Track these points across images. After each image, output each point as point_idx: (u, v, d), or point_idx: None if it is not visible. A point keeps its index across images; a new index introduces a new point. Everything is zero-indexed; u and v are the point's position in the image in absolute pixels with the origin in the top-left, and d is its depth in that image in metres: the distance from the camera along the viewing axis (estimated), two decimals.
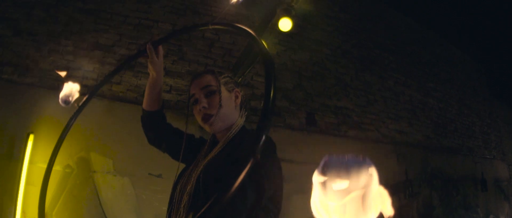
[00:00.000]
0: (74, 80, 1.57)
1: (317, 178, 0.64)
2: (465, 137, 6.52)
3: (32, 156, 3.47)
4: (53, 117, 3.51)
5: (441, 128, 6.00)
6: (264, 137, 0.71)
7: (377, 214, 0.61)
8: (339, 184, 0.63)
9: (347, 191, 0.62)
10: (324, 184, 0.65)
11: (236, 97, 1.42)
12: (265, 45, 1.00)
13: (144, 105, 1.58)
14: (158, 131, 1.59)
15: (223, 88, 1.37)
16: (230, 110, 1.37)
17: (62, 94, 1.52)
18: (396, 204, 4.71)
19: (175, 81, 4.18)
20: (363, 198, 0.61)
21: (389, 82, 5.49)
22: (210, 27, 1.35)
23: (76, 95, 1.54)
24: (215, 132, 1.38)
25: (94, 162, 3.70)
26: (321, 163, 0.67)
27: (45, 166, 1.53)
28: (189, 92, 1.42)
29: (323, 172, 0.65)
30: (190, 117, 1.43)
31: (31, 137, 3.51)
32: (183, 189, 1.26)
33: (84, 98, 1.54)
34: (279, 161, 1.25)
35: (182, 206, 1.19)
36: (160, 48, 1.49)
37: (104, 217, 3.58)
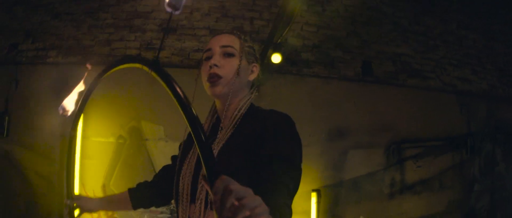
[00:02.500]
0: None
1: None
2: None
3: (84, 131, 3.59)
4: (99, 92, 3.58)
5: (507, 76, 5.49)
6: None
7: None
8: None
9: None
10: None
11: (252, 72, 1.29)
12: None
13: (131, 209, 1.56)
14: (156, 196, 1.53)
15: (244, 57, 1.25)
16: (242, 82, 1.25)
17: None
18: (458, 159, 4.39)
19: None
20: None
21: (452, 25, 5.00)
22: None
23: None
24: (216, 96, 1.23)
25: (145, 130, 3.81)
26: None
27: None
28: (205, 47, 1.27)
29: None
30: (199, 77, 1.28)
31: (81, 115, 3.60)
32: (193, 176, 1.17)
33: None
34: (300, 139, 1.16)
35: (197, 196, 1.12)
36: (78, 196, 1.48)
37: None
